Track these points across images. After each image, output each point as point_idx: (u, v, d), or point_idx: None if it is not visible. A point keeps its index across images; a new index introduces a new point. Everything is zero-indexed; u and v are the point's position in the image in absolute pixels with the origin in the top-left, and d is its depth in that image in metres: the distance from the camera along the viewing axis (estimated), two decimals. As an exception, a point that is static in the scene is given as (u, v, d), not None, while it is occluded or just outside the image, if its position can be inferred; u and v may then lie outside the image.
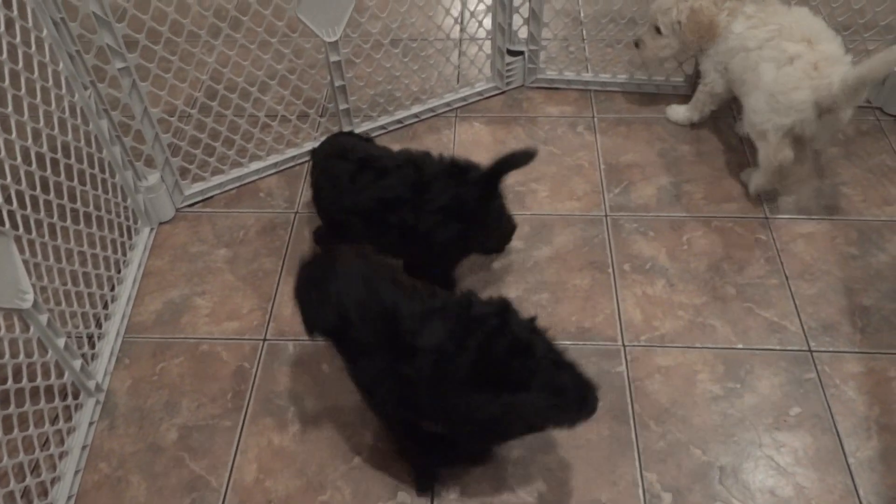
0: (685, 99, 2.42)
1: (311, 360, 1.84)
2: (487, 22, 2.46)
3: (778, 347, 1.82)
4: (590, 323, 1.89)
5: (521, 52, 2.50)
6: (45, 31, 1.66)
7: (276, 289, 2.00)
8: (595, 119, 2.46)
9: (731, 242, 2.06)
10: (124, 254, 2.03)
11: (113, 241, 1.97)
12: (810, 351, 1.81)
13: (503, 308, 1.45)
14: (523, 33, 2.47)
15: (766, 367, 1.79)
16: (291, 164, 2.33)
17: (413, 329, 1.39)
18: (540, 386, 1.34)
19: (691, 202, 2.18)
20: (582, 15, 2.88)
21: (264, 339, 1.89)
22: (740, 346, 1.83)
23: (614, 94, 2.54)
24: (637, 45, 2.34)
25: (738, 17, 2.07)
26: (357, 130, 2.38)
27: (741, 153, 2.29)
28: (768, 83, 1.93)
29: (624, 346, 1.85)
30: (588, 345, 1.85)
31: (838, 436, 1.65)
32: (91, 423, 1.73)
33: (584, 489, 1.60)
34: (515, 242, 2.07)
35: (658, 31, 2.24)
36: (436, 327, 1.39)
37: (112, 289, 1.96)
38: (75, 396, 1.72)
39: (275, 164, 2.31)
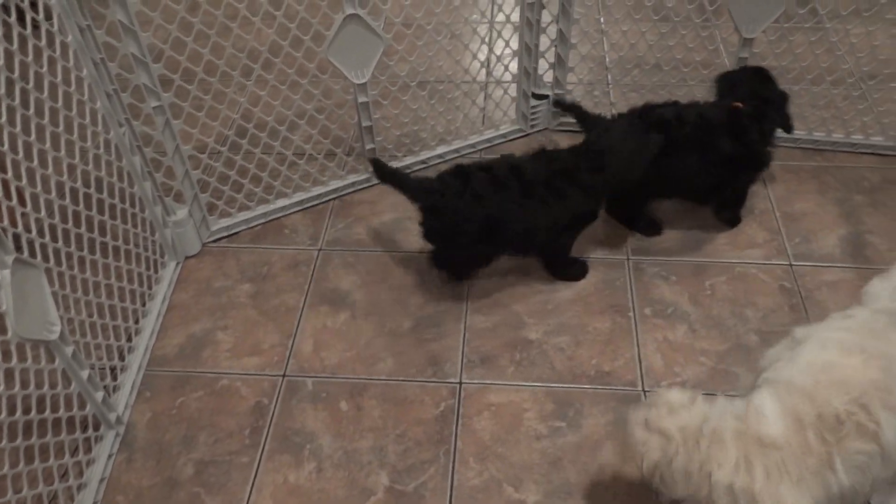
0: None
1: (329, 397, 1.85)
2: (513, 66, 2.49)
3: (802, 398, 1.79)
4: (609, 367, 1.88)
5: (547, 96, 2.53)
6: (84, 71, 1.72)
7: (298, 325, 2.01)
8: (618, 163, 2.46)
9: (755, 289, 2.04)
10: (150, 287, 2.06)
11: (139, 275, 2.00)
12: (836, 402, 1.78)
13: None
14: (549, 77, 2.51)
15: (790, 417, 1.75)
16: (316, 201, 2.37)
17: None
18: None
19: (714, 247, 2.16)
20: (607, 60, 2.92)
21: (283, 376, 1.90)
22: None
23: (638, 138, 2.55)
24: None
25: None
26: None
27: (763, 197, 2.29)
28: None
29: (644, 391, 1.83)
30: (607, 389, 1.83)
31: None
32: (110, 456, 1.74)
33: (602, 538, 1.57)
34: (537, 284, 2.08)
35: None
36: None
37: (136, 322, 1.99)
38: (96, 428, 1.74)
39: (300, 202, 2.35)
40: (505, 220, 1.88)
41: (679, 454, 1.29)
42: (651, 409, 1.36)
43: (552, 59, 2.43)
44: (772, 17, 2.21)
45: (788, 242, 2.16)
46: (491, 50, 2.67)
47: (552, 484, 1.66)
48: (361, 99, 2.20)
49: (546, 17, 2.32)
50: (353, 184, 2.41)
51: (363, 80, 2.15)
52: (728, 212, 2.22)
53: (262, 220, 2.32)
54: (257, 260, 2.20)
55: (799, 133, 2.44)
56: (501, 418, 1.79)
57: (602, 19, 3.11)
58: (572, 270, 2.12)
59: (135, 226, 1.96)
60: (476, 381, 1.87)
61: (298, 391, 1.87)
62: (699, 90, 2.49)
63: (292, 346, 1.97)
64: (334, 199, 2.38)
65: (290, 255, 2.21)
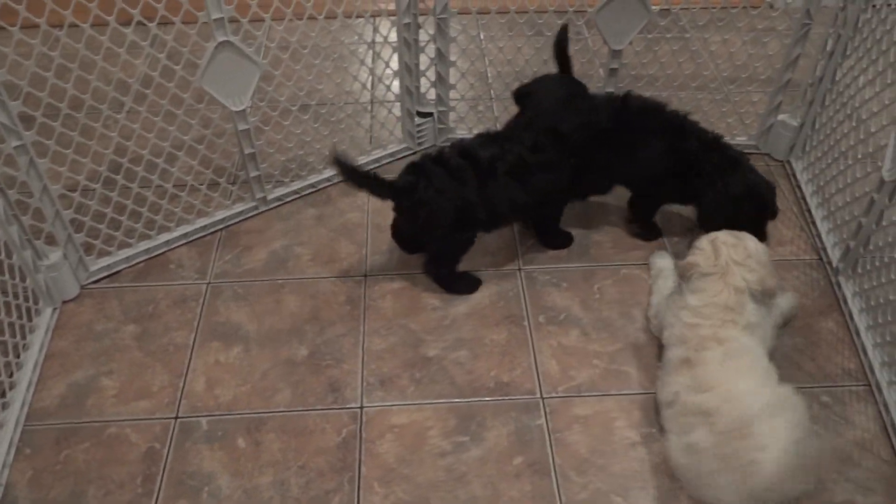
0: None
1: (225, 435, 1.78)
2: (396, 86, 2.51)
3: (690, 389, 1.87)
4: (508, 377, 1.91)
5: (431, 114, 2.56)
6: (-70, 113, 1.61)
7: (188, 364, 1.94)
8: (505, 175, 2.52)
9: (641, 289, 2.12)
10: (24, 337, 1.93)
11: (11, 325, 1.88)
12: (720, 391, 1.87)
13: None
14: (432, 95, 2.54)
15: (679, 409, 1.83)
16: (202, 233, 2.29)
17: None
18: None
19: (601, 252, 2.24)
20: (489, 75, 2.98)
21: (176, 418, 1.82)
22: (655, 391, 1.87)
23: (523, 150, 2.62)
24: None
25: None
26: (269, 197, 2.37)
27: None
28: None
29: (542, 398, 1.86)
30: (507, 399, 1.86)
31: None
32: (-13, 522, 1.62)
33: (510, 548, 1.59)
34: (432, 300, 2.09)
35: None
36: None
37: (10, 375, 1.86)
38: (-31, 494, 1.61)
39: (185, 235, 2.27)
40: (472, 207, 1.98)
41: (711, 272, 1.73)
42: (729, 237, 1.77)
43: (433, 78, 2.46)
44: (636, 28, 2.33)
45: (668, 241, 2.27)
46: (372, 71, 2.68)
47: (458, 500, 1.67)
48: (241, 126, 2.15)
49: (424, 36, 2.35)
50: (240, 213, 2.35)
51: (241, 108, 2.11)
52: (636, 225, 2.30)
53: (145, 257, 2.22)
54: (141, 299, 2.11)
55: (671, 137, 2.57)
56: (405, 439, 1.78)
57: (482, 35, 3.18)
58: (560, 240, 2.27)
59: (2, 273, 1.84)
60: (377, 404, 1.85)
61: (193, 432, 1.80)
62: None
63: (184, 386, 1.89)
64: (221, 229, 2.32)
65: (177, 291, 2.13)
